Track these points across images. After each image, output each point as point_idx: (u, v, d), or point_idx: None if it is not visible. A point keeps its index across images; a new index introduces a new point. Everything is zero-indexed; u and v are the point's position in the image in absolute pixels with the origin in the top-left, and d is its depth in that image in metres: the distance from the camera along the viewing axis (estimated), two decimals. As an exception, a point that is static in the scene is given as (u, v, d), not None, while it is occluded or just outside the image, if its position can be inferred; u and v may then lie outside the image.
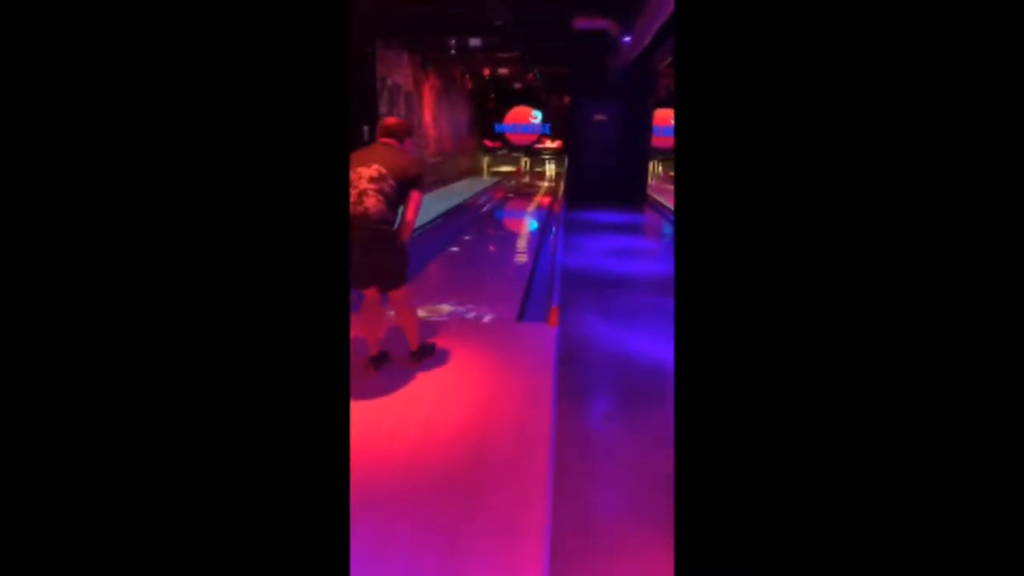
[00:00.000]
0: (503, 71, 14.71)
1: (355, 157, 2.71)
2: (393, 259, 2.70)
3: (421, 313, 3.87)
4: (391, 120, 2.91)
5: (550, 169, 18.93)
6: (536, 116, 19.82)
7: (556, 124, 19.28)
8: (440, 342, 3.31)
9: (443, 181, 13.21)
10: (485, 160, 19.23)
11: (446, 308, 4.13)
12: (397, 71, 10.47)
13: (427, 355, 3.01)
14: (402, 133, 2.85)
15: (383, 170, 2.60)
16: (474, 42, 10.33)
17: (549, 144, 19.82)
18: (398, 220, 2.71)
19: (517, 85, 17.39)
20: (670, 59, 9.63)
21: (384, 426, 2.41)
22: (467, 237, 7.32)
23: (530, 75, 14.84)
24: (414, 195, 2.71)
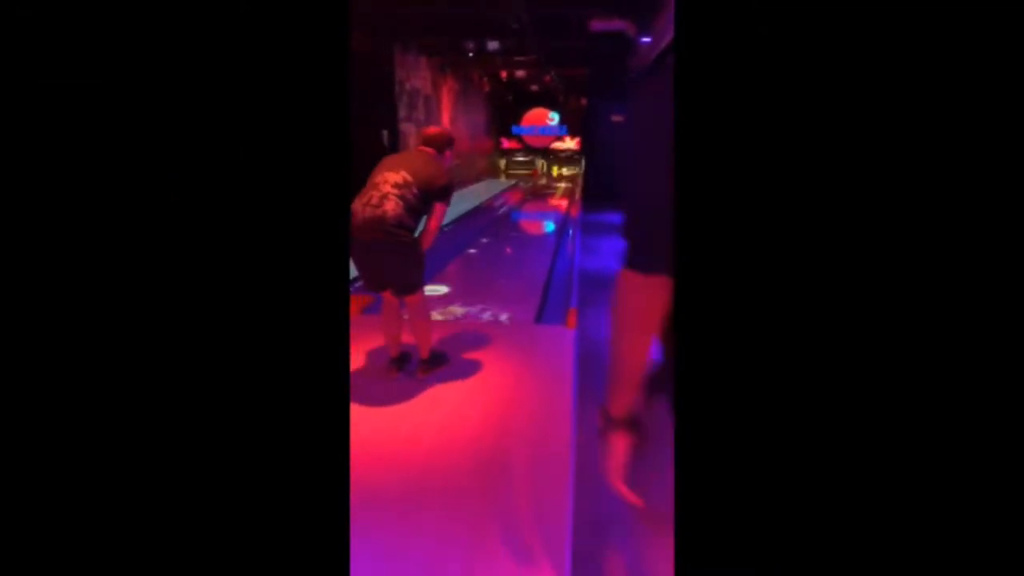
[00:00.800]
0: (520, 74, 14.74)
1: (387, 161, 2.74)
2: (405, 264, 2.69)
3: (437, 316, 3.88)
4: (432, 129, 2.91)
5: (567, 170, 18.88)
6: (553, 118, 19.80)
7: (573, 126, 19.25)
8: (458, 344, 3.30)
9: (460, 183, 13.26)
10: (502, 162, 19.28)
11: (463, 310, 4.13)
12: (415, 75, 10.55)
13: (439, 365, 2.99)
14: (440, 143, 2.84)
15: (409, 178, 2.62)
16: (492, 45, 10.37)
17: (567, 144, 19.78)
18: (419, 228, 2.70)
19: (534, 87, 17.40)
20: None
21: (403, 428, 2.41)
22: (484, 239, 7.33)
23: (547, 77, 14.84)
24: (438, 207, 2.71)
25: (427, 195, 2.66)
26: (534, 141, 19.97)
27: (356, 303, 4.09)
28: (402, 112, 9.69)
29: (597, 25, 8.52)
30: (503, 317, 3.97)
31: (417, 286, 2.78)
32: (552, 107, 19.56)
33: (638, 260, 0.92)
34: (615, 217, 8.63)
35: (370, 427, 2.41)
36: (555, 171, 18.96)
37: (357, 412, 2.53)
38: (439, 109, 12.39)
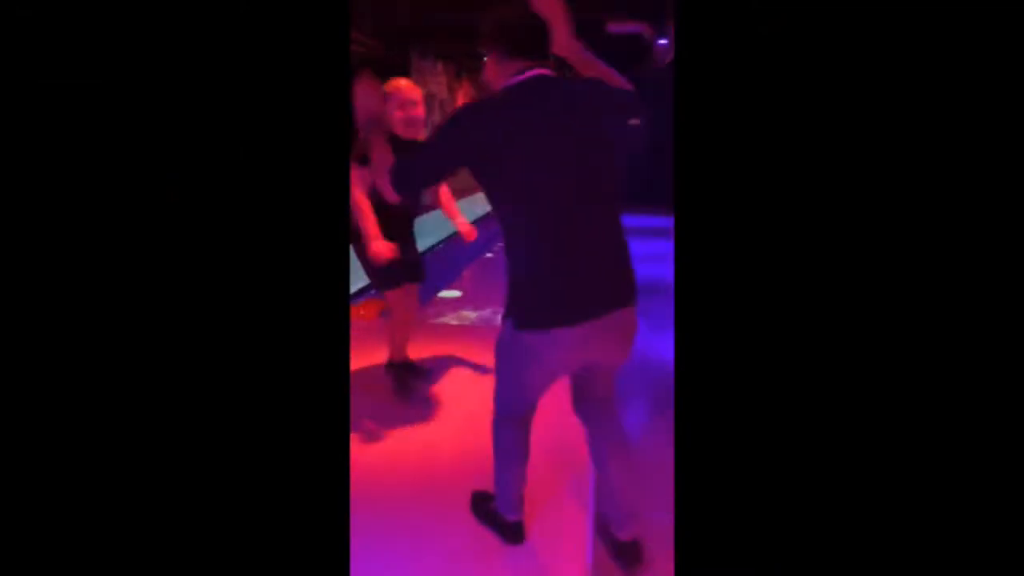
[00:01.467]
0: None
1: None
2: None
3: (451, 320, 3.87)
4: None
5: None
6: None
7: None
8: (471, 348, 3.29)
9: (476, 187, 13.26)
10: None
11: (476, 314, 4.12)
12: (432, 80, 10.59)
13: (405, 373, 2.71)
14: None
15: None
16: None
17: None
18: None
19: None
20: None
21: (421, 434, 2.40)
22: (500, 243, 7.30)
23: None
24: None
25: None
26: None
27: (375, 307, 4.10)
28: (418, 116, 9.73)
29: (614, 28, 8.49)
30: (517, 321, 3.93)
31: (375, 283, 2.49)
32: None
33: None
34: (632, 220, 8.55)
35: (387, 433, 2.41)
36: None
37: (369, 418, 2.53)
38: (456, 114, 12.41)
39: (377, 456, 2.22)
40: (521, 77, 1.29)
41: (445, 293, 4.48)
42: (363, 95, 1.42)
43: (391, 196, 1.37)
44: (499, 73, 1.34)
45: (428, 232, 6.38)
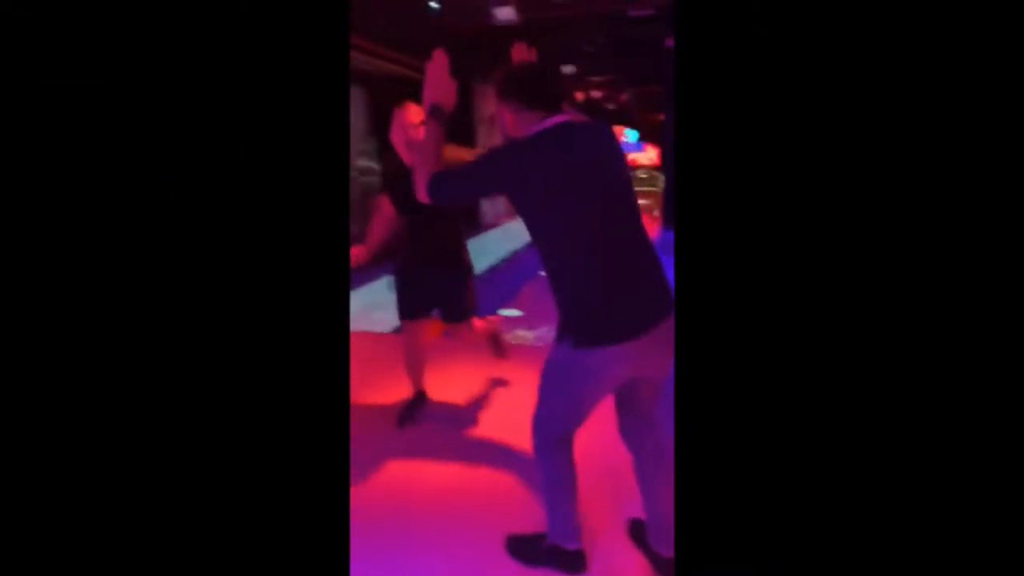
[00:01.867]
0: (596, 94, 14.77)
1: None
2: None
3: (508, 340, 3.84)
4: None
5: (646, 188, 18.45)
6: (628, 135, 19.59)
7: (650, 140, 18.90)
8: (530, 368, 3.23)
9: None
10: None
11: (533, 333, 4.06)
12: (488, 103, 10.81)
13: (413, 403, 2.65)
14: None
15: None
16: (568, 69, 10.47)
17: (646, 158, 19.40)
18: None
19: (611, 106, 17.35)
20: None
21: (461, 447, 2.36)
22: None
23: (623, 96, 14.76)
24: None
25: None
26: (611, 161, 19.77)
27: (436, 327, 4.12)
28: (480, 138, 9.93)
29: (672, 42, 8.40)
30: (576, 338, 3.84)
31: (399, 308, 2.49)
32: (629, 124, 19.35)
33: None
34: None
35: (420, 450, 2.38)
36: (644, 188, 18.60)
37: (409, 438, 2.51)
38: (515, 134, 12.59)
39: (408, 478, 2.18)
40: (548, 123, 1.40)
41: (504, 312, 4.46)
42: (432, 76, 1.42)
43: (421, 194, 1.41)
44: (519, 123, 1.44)
45: (488, 252, 6.41)
